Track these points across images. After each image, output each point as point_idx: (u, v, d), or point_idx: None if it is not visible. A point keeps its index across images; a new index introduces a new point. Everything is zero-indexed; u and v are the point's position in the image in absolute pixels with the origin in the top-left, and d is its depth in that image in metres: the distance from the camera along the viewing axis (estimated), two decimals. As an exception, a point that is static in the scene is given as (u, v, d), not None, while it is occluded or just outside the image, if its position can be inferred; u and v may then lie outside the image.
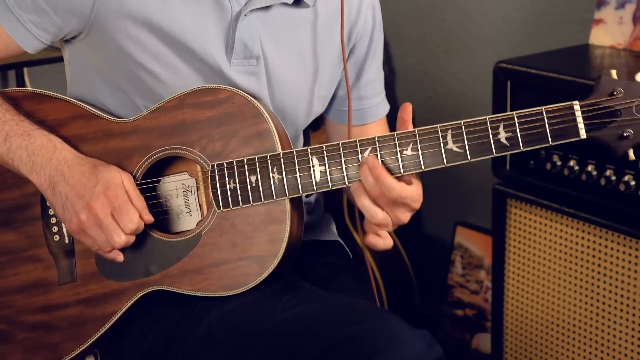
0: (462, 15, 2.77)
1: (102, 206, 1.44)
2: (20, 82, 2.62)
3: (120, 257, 1.49)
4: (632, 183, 1.91)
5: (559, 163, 2.05)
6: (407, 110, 1.46)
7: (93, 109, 1.55)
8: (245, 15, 1.53)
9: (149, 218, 1.48)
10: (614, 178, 1.94)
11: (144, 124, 1.53)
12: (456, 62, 2.82)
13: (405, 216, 1.46)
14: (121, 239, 1.45)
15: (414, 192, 1.44)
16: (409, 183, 1.45)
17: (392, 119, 1.71)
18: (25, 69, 2.61)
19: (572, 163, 2.02)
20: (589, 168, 1.98)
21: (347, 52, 1.69)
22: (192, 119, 1.51)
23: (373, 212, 1.44)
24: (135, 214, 1.46)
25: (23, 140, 1.49)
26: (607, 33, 2.20)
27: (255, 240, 1.48)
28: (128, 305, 1.51)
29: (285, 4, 1.57)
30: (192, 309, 1.52)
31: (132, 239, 1.47)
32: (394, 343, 1.37)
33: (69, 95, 1.64)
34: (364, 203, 1.44)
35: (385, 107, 1.79)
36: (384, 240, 1.49)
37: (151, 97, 1.55)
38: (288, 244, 1.48)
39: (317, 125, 1.96)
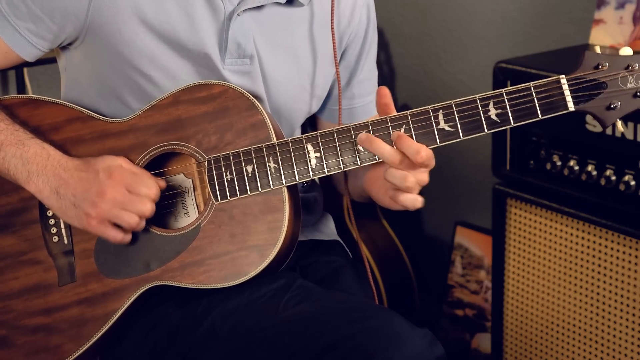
0: (462, 15, 2.77)
1: (115, 189, 1.46)
2: (20, 82, 2.62)
3: (142, 224, 1.49)
4: (632, 183, 1.91)
5: (559, 163, 2.05)
6: (384, 94, 1.48)
7: (88, 111, 1.56)
8: (238, 14, 1.54)
9: (162, 183, 1.50)
10: (614, 178, 1.94)
11: (140, 122, 1.53)
12: (456, 62, 2.82)
13: (425, 176, 1.48)
14: (148, 207, 1.47)
15: (430, 152, 1.47)
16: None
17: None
18: (25, 69, 2.61)
19: (572, 163, 2.02)
20: (589, 168, 1.98)
21: (341, 52, 1.70)
22: (187, 114, 1.52)
23: (404, 177, 1.45)
24: (150, 179, 1.48)
25: (17, 149, 1.49)
26: (607, 33, 2.19)
27: (254, 230, 1.49)
28: (129, 303, 1.51)
29: (279, 3, 1.58)
30: (194, 308, 1.52)
31: (154, 208, 1.48)
32: (395, 341, 1.38)
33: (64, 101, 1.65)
34: (394, 173, 1.45)
35: None
36: (415, 197, 1.49)
37: (147, 102, 1.56)
38: (287, 232, 1.48)
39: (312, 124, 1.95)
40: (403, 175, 1.45)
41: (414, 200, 1.48)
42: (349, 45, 1.71)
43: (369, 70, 1.77)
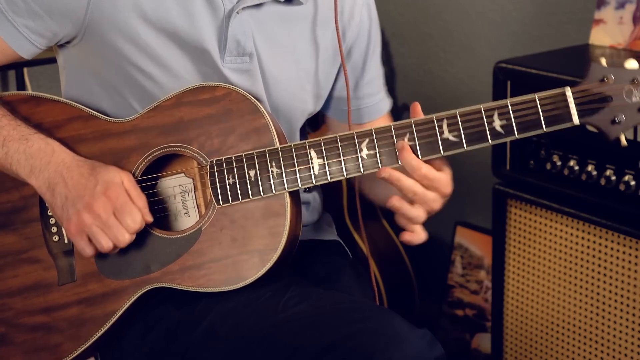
0: (462, 15, 2.77)
1: (103, 206, 1.44)
2: (20, 82, 2.62)
3: (116, 250, 1.49)
4: (632, 183, 1.91)
5: (559, 163, 2.04)
6: (417, 111, 1.49)
7: (90, 110, 1.55)
8: (237, 12, 1.54)
9: (150, 219, 1.48)
10: (614, 178, 1.94)
11: (142, 123, 1.53)
12: (456, 62, 2.82)
13: (436, 204, 1.47)
14: (125, 238, 1.45)
15: (442, 177, 1.46)
16: (439, 170, 1.47)
17: (395, 117, 1.71)
18: (25, 69, 2.61)
19: (572, 163, 2.01)
20: (589, 168, 1.98)
21: (344, 52, 1.69)
22: (190, 116, 1.51)
23: (407, 208, 1.46)
24: (137, 214, 1.46)
25: (21, 144, 1.49)
26: (607, 33, 2.19)
27: (255, 234, 1.48)
28: (128, 304, 1.51)
29: (278, 1, 1.58)
30: (193, 308, 1.52)
31: (134, 237, 1.47)
32: (395, 342, 1.37)
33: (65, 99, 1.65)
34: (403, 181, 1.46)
35: (388, 103, 1.79)
36: (418, 235, 1.50)
37: (147, 100, 1.55)
38: (288, 237, 1.48)
39: (316, 124, 1.95)
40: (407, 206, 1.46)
41: (419, 234, 1.50)
42: (352, 46, 1.70)
43: (376, 69, 1.76)
